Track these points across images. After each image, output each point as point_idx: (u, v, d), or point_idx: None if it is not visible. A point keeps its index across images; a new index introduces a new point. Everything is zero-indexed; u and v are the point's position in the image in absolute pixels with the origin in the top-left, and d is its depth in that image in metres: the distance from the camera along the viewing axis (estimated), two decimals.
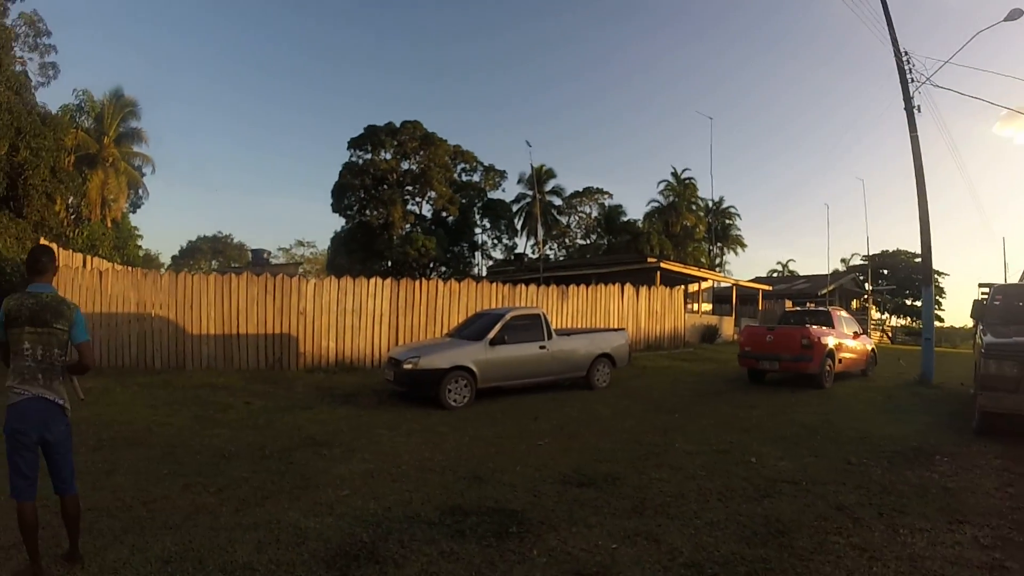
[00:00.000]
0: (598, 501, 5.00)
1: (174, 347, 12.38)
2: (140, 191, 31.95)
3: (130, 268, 13.86)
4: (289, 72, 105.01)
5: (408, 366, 9.47)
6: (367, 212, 40.50)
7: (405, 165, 41.67)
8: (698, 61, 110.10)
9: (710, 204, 47.12)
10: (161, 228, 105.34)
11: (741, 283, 29.37)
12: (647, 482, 5.51)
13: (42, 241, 12.56)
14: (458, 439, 7.37)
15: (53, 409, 3.54)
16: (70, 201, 23.13)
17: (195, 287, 12.64)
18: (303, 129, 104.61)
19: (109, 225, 27.31)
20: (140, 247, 29.33)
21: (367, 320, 13.94)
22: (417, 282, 14.77)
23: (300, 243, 59.93)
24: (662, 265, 23.44)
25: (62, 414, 3.59)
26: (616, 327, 15.24)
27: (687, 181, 46.31)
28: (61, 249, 12.69)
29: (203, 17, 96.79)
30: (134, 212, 32.28)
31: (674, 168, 48.24)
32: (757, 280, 35.23)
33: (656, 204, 46.68)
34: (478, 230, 45.93)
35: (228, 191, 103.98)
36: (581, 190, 48.29)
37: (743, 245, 48.75)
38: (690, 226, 45.07)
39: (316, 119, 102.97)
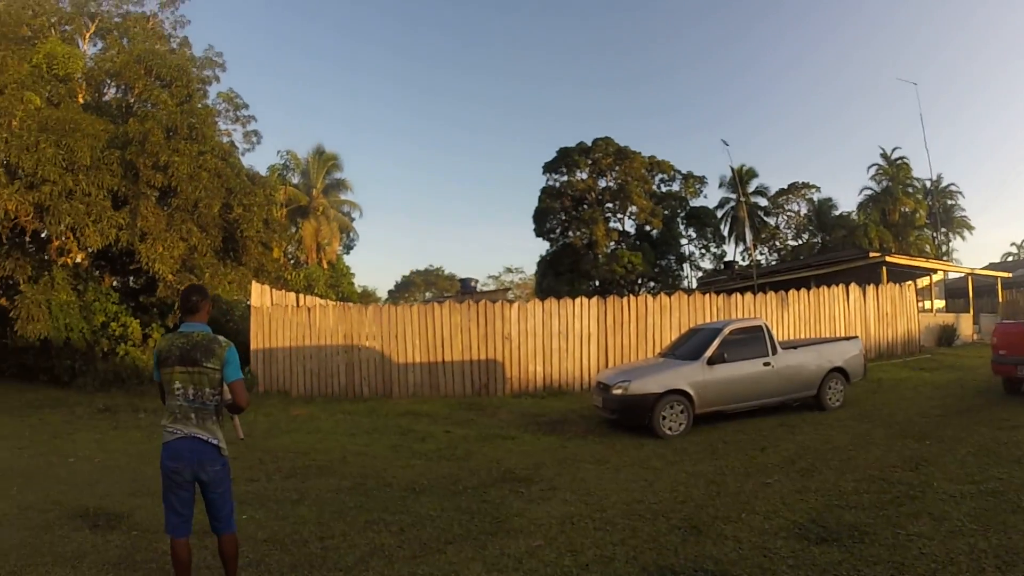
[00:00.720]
0: (844, 566, 3.91)
1: (381, 376, 13.06)
2: (351, 234, 37.17)
3: (338, 303, 15.31)
4: (479, 100, 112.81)
5: (618, 391, 8.84)
6: (569, 233, 41.30)
7: (602, 183, 41.99)
8: (888, 15, 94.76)
9: (927, 184, 41.96)
10: (377, 266, 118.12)
11: (977, 272, 25.19)
12: (903, 539, 4.29)
13: (258, 284, 14.23)
14: (673, 476, 6.51)
15: (207, 449, 3.51)
16: (286, 248, 26.94)
17: (399, 318, 13.30)
18: (502, 156, 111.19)
19: (325, 266, 31.40)
20: (353, 284, 33.44)
21: (574, 342, 13.68)
22: (625, 299, 14.35)
23: (508, 270, 62.90)
24: (887, 259, 21.40)
25: (217, 454, 3.55)
26: (846, 335, 13.44)
27: (899, 162, 42.44)
28: (275, 290, 14.65)
29: (389, 61, 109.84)
30: (347, 253, 37.50)
31: (883, 149, 44.12)
32: (992, 267, 31.18)
33: (869, 192, 43.04)
34: (683, 240, 44.50)
35: (436, 225, 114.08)
36: (786, 187, 45.52)
37: (970, 228, 43.66)
38: (909, 212, 40.84)
39: (512, 144, 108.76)
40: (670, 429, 8.59)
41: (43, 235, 15.01)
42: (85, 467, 7.54)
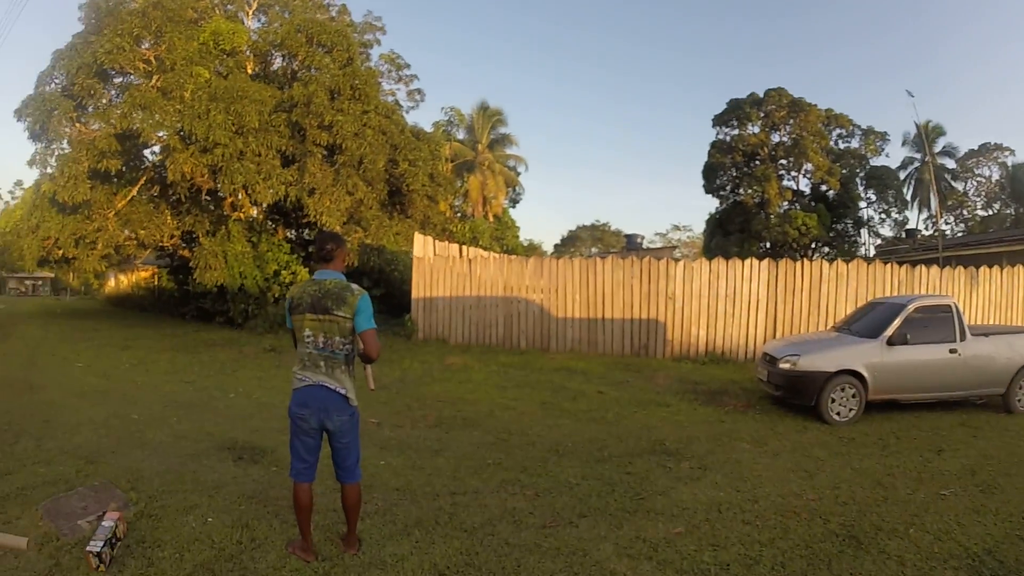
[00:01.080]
0: None
1: (539, 329, 13.18)
2: (516, 188, 37.83)
3: (499, 255, 15.68)
4: (647, 49, 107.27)
5: (785, 365, 8.23)
6: (740, 191, 39.25)
7: (775, 137, 38.98)
8: None
9: None
10: (543, 220, 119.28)
11: None
12: None
13: (420, 235, 14.93)
14: (836, 470, 5.88)
15: (334, 398, 3.57)
16: (452, 202, 28.10)
17: (560, 271, 13.25)
18: (671, 109, 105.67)
19: (491, 220, 32.35)
20: (518, 237, 34.13)
21: (741, 306, 13.03)
22: (798, 264, 13.33)
23: (676, 227, 61.45)
24: None
25: (345, 404, 3.60)
26: None
27: None
28: (438, 241, 15.55)
29: (552, 10, 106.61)
30: (513, 207, 38.31)
31: None
32: None
33: None
34: (862, 204, 40.22)
35: (603, 180, 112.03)
36: (976, 148, 41.58)
37: None
38: None
39: (682, 97, 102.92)
40: (838, 414, 7.85)
41: (219, 193, 17.11)
42: (242, 402, 8.47)
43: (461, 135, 35.42)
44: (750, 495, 5.01)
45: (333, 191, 16.42)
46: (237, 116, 15.14)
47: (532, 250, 48.36)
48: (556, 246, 68.79)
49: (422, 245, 14.73)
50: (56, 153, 16.13)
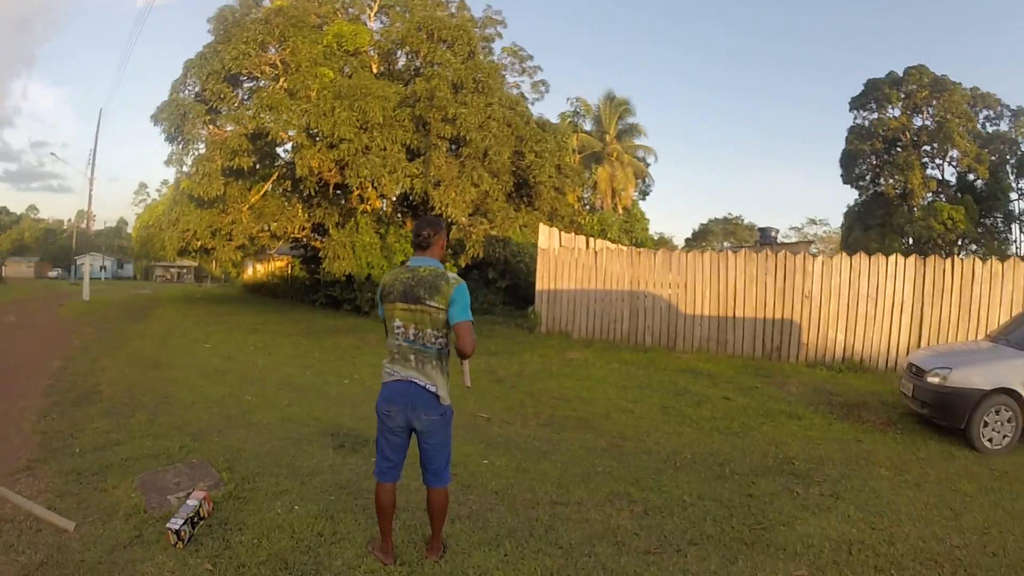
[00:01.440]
0: None
1: (665, 326, 12.44)
2: (646, 180, 36.66)
3: (625, 247, 15.05)
4: (781, 31, 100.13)
5: (934, 379, 7.06)
6: (881, 181, 36.44)
7: (917, 120, 35.48)
8: None
9: None
10: (673, 213, 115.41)
11: None
12: None
13: (546, 227, 14.63)
14: (987, 510, 4.86)
15: (422, 395, 3.29)
16: (580, 194, 27.71)
17: (690, 265, 12.42)
18: (804, 94, 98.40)
19: (620, 212, 31.56)
20: (647, 230, 33.13)
21: (884, 308, 11.47)
22: (947, 262, 11.51)
23: (811, 221, 57.39)
24: None
25: (435, 402, 3.31)
26: None
27: None
28: (564, 233, 15.07)
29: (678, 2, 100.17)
30: (643, 199, 37.08)
31: None
32: None
33: None
34: (1013, 195, 35.76)
35: (735, 172, 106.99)
36: None
37: None
38: None
39: (815, 83, 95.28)
40: (990, 441, 6.66)
41: (346, 187, 17.77)
42: (355, 389, 8.43)
43: (588, 126, 34.86)
44: (886, 534, 4.20)
45: (458, 183, 16.67)
46: (361, 112, 15.69)
47: (662, 244, 47.62)
48: (687, 240, 67.01)
49: (547, 236, 14.39)
50: (192, 153, 17.67)
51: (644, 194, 37.48)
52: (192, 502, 3.96)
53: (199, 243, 18.46)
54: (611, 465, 5.20)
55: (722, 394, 8.28)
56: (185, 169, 17.81)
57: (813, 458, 5.69)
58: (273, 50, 17.63)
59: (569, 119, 31.46)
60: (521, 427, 6.48)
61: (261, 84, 18.30)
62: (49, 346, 11.88)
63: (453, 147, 17.80)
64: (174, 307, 22.57)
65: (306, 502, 4.31)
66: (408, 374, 3.28)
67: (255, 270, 35.22)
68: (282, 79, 17.27)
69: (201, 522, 3.95)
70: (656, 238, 43.85)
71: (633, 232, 30.46)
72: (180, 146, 17.58)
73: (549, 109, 54.36)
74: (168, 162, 17.93)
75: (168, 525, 3.71)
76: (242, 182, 18.45)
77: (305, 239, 20.80)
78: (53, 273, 60.03)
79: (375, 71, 19.44)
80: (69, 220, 35.85)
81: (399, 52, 20.09)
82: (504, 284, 18.61)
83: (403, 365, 3.29)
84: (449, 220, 17.82)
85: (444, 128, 16.54)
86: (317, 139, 16.62)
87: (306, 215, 19.42)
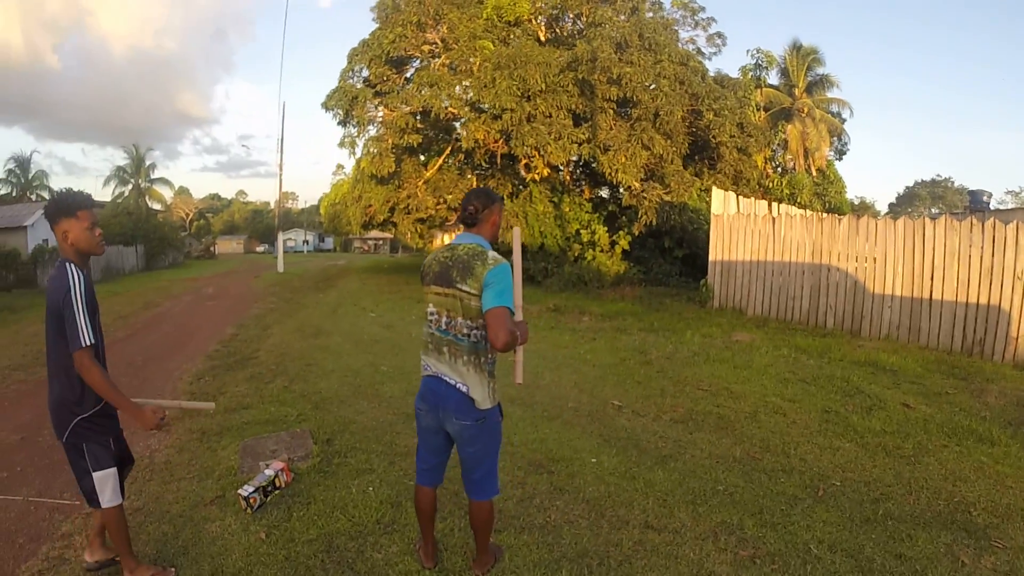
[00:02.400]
0: None
1: (850, 306, 10.51)
2: (841, 137, 32.07)
3: (807, 213, 13.10)
4: None
5: None
6: None
7: None
8: None
9: None
10: (875, 174, 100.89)
11: None
12: None
13: (720, 190, 13.15)
14: None
15: (454, 396, 2.79)
16: (769, 154, 25.11)
17: (879, 234, 10.29)
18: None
19: (814, 174, 28.19)
20: (844, 194, 29.16)
21: None
22: None
23: None
24: None
25: (468, 406, 2.77)
26: None
27: None
28: (741, 197, 13.34)
29: None
30: (839, 159, 32.52)
31: None
32: None
33: None
34: None
35: (946, 128, 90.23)
36: None
37: None
38: None
39: None
40: None
41: (514, 156, 17.63)
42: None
43: (773, 80, 31.25)
44: None
45: (628, 147, 15.78)
46: (521, 80, 15.45)
47: (862, 210, 41.48)
48: (891, 205, 58.89)
49: (721, 201, 12.96)
50: (364, 135, 18.90)
51: (840, 154, 32.80)
52: (268, 472, 4.10)
53: (381, 217, 19.82)
54: (736, 484, 4.21)
55: (902, 399, 6.53)
56: (358, 150, 19.04)
57: (998, 509, 3.93)
58: (431, 29, 18.03)
59: (750, 73, 28.43)
60: (651, 421, 5.65)
61: (422, 63, 18.89)
62: (230, 315, 13.29)
63: (621, 110, 16.87)
64: (359, 277, 24.46)
65: (384, 485, 4.15)
66: (440, 369, 2.82)
67: (442, 240, 36.93)
68: (443, 56, 17.63)
69: (276, 492, 4.05)
70: (855, 203, 38.53)
71: (827, 196, 26.99)
72: (352, 128, 18.84)
73: (728, 63, 50.23)
74: (341, 144, 19.39)
75: (239, 491, 3.91)
76: (415, 158, 19.28)
77: None
78: (260, 248, 70.54)
79: (543, 38, 19.04)
80: (276, 201, 41.03)
81: (565, 17, 19.46)
82: (680, 253, 17.31)
83: (436, 358, 2.84)
84: (620, 185, 17.24)
85: (610, 90, 15.68)
86: (482, 111, 16.76)
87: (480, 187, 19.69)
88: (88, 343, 2.64)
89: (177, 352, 9.40)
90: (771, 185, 23.13)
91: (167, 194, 53.13)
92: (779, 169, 28.77)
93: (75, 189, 2.89)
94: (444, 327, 2.79)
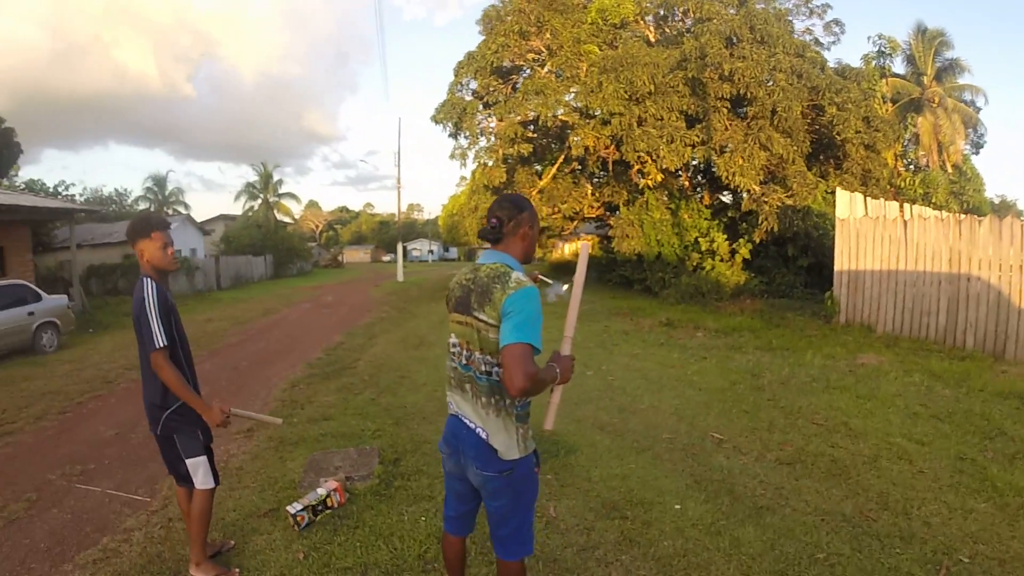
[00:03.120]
0: None
1: (993, 323, 8.90)
2: (977, 128, 28.27)
3: (943, 214, 11.44)
4: None
5: None
6: None
7: None
8: None
9: None
10: (1019, 169, 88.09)
11: None
12: None
13: (845, 192, 11.78)
14: None
15: (473, 443, 2.36)
16: (899, 150, 22.71)
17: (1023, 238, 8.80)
18: None
19: (949, 171, 25.18)
20: (983, 192, 25.73)
21: None
22: None
23: None
24: None
25: (489, 455, 2.33)
26: None
27: None
28: (869, 199, 11.69)
29: None
30: (976, 153, 28.70)
31: None
32: None
33: None
34: None
35: None
36: None
37: None
38: None
39: None
40: None
41: (626, 162, 17.02)
42: (593, 383, 7.60)
43: (898, 68, 28.10)
44: None
45: (744, 147, 14.69)
46: (628, 83, 14.85)
47: (1004, 209, 36.37)
48: None
49: (847, 203, 11.62)
50: (474, 147, 19.00)
51: (977, 147, 28.70)
52: (321, 490, 4.05)
53: None
54: (840, 552, 3.42)
55: None
56: (469, 162, 19.24)
57: None
58: (534, 37, 17.83)
59: (873, 61, 25.79)
60: (753, 460, 4.88)
61: (528, 72, 18.72)
62: (342, 323, 13.71)
63: (736, 108, 15.80)
64: None
65: (438, 516, 3.89)
66: (462, 409, 2.41)
67: (561, 250, 36.68)
68: (548, 63, 17.36)
69: (326, 511, 3.99)
70: (995, 202, 33.81)
71: (964, 195, 23.97)
72: (463, 140, 19.12)
73: (848, 53, 45.61)
74: (452, 156, 19.64)
75: (288, 507, 3.88)
76: (528, 167, 19.18)
77: (599, 218, 20.84)
78: (386, 258, 74.08)
79: (652, 39, 18.28)
80: (396, 213, 42.89)
81: (674, 15, 18.57)
82: (805, 263, 15.79)
83: (460, 396, 2.42)
84: (739, 189, 16.16)
85: (721, 87, 14.68)
86: (590, 117, 16.31)
87: (595, 195, 19.38)
88: (162, 344, 2.94)
89: (282, 358, 9.76)
90: (903, 184, 20.89)
91: (295, 207, 57.22)
92: (911, 167, 25.96)
93: (158, 215, 3.20)
94: (465, 361, 2.36)
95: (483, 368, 2.29)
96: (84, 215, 23.88)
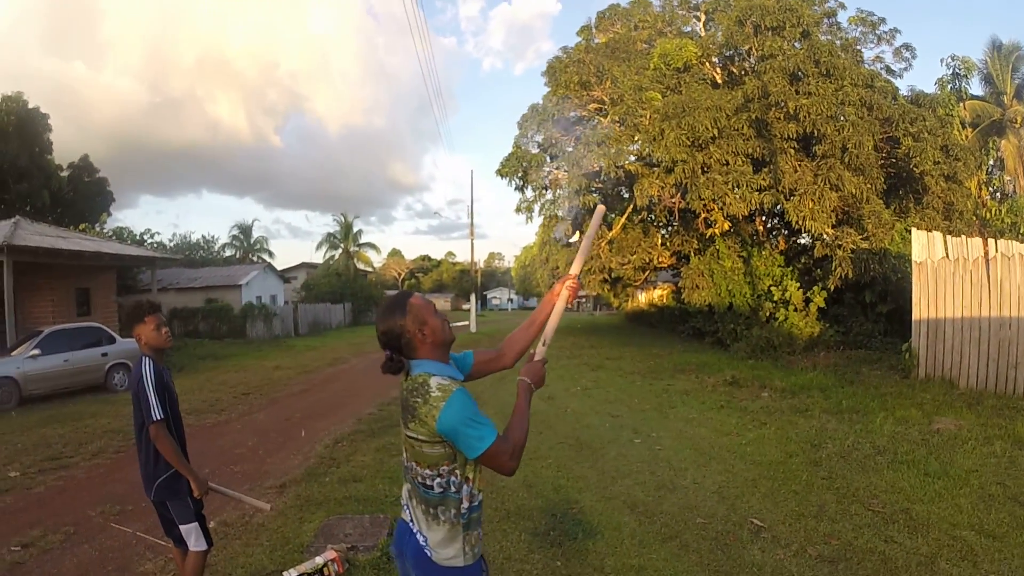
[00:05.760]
0: None
1: None
2: None
3: None
4: None
5: None
6: None
7: None
8: None
9: None
10: None
11: None
12: None
13: (921, 232, 10.83)
14: None
15: (413, 548, 2.19)
16: (983, 177, 21.16)
17: None
18: None
19: None
20: None
21: None
22: None
23: None
24: None
25: (425, 561, 2.14)
26: None
27: None
28: (950, 236, 10.72)
29: None
30: None
31: None
32: None
33: None
34: None
35: None
36: None
37: None
38: None
39: None
40: None
41: (692, 211, 16.73)
42: (639, 451, 7.19)
43: (976, 89, 26.07)
44: None
45: (814, 189, 14.14)
46: (690, 129, 14.57)
47: None
48: None
49: (924, 244, 10.67)
50: (540, 199, 19.14)
51: None
52: (319, 559, 4.08)
53: None
54: None
55: None
56: (535, 214, 19.30)
57: None
58: (595, 87, 17.96)
59: (948, 85, 24.13)
60: (792, 555, 4.32)
61: (594, 123, 18.78)
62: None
63: (803, 148, 15.23)
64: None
65: None
66: (407, 513, 2.26)
67: (636, 300, 36.04)
68: (610, 112, 17.35)
69: None
70: None
71: None
72: (529, 193, 19.38)
73: (920, 78, 42.71)
74: (518, 210, 19.73)
75: (285, 572, 3.97)
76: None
77: (672, 267, 20.53)
78: (466, 306, 75.00)
79: (719, 80, 17.98)
80: (470, 263, 43.33)
81: (739, 55, 18.26)
82: (884, 309, 14.59)
83: (408, 498, 2.27)
84: (812, 234, 15.44)
85: (787, 127, 14.25)
86: (654, 166, 16.12)
87: (666, 244, 19.12)
88: (159, 417, 3.16)
89: (336, 411, 9.92)
90: (989, 215, 19.44)
91: (374, 257, 59.65)
92: (996, 194, 24.13)
93: (149, 302, 3.48)
94: (406, 465, 2.23)
95: (422, 480, 2.14)
96: (166, 260, 25.59)
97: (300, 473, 6.42)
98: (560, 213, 18.62)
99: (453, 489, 2.11)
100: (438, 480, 2.10)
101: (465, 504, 2.13)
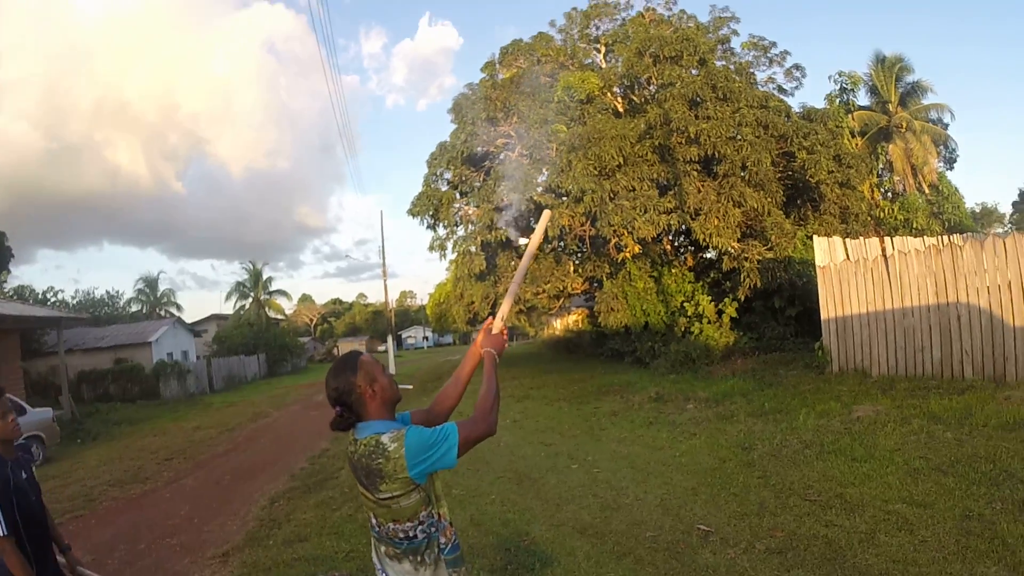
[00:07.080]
0: None
1: (988, 347, 8.72)
2: (948, 144, 29.04)
3: (925, 241, 11.51)
4: None
5: None
6: None
7: None
8: None
9: None
10: (995, 174, 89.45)
11: None
12: None
13: (821, 238, 11.91)
14: None
15: None
16: (874, 181, 23.27)
17: (1010, 254, 8.65)
18: None
19: (927, 191, 25.62)
20: (962, 207, 26.20)
21: None
22: None
23: None
24: None
25: None
26: None
27: None
28: (848, 240, 12.02)
29: None
30: (950, 169, 29.46)
31: None
32: None
33: None
34: None
35: None
36: None
37: None
38: None
39: None
40: None
41: (603, 237, 17.18)
42: (577, 477, 7.30)
43: (863, 100, 28.98)
44: None
45: (718, 207, 14.99)
46: (596, 159, 15.17)
47: (985, 217, 37.93)
48: (1015, 204, 51.88)
49: (825, 250, 11.66)
50: (452, 237, 19.44)
51: (950, 162, 29.47)
52: None
53: (485, 313, 19.80)
54: None
55: None
56: (448, 251, 19.46)
57: None
58: (502, 123, 18.38)
59: (837, 99, 26.72)
60: (741, 552, 4.57)
61: (501, 158, 19.14)
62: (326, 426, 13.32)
63: (706, 168, 16.21)
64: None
65: None
66: (383, 565, 2.23)
67: (551, 327, 36.52)
68: (517, 147, 17.81)
69: None
70: (976, 212, 35.09)
71: (945, 213, 24.38)
72: (441, 231, 19.63)
73: (811, 95, 47.21)
74: (431, 248, 19.81)
75: None
76: (509, 251, 19.34)
77: (585, 293, 20.91)
78: (381, 348, 73.45)
79: (621, 109, 18.89)
80: (383, 304, 42.88)
81: (639, 84, 19.23)
82: (794, 312, 15.64)
83: (378, 553, 2.26)
84: (719, 249, 16.30)
85: (689, 151, 15.14)
86: (563, 196, 16.63)
87: (578, 271, 19.57)
88: (3, 533, 2.73)
89: (265, 470, 9.53)
90: (883, 215, 21.24)
91: (286, 304, 57.65)
92: (888, 194, 26.49)
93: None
94: (377, 530, 2.23)
95: (399, 536, 2.15)
96: (72, 320, 23.95)
97: (241, 539, 6.09)
98: (471, 250, 18.63)
99: (434, 529, 2.17)
100: (420, 528, 2.15)
101: (438, 545, 2.18)
